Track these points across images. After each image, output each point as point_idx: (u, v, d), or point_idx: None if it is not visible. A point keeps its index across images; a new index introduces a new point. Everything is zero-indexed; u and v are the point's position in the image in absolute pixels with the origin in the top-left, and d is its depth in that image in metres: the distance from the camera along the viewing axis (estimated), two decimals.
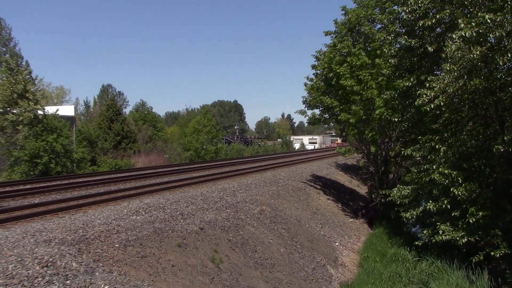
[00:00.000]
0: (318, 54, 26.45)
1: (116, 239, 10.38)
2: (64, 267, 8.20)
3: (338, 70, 23.14)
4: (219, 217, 14.69)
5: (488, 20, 12.35)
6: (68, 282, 7.74)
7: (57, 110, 33.41)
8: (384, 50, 20.47)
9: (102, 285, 7.87)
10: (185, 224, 12.97)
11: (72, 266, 8.35)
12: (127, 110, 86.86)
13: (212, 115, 60.19)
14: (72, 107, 47.44)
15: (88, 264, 8.72)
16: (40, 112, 30.59)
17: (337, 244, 18.98)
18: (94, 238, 10.12)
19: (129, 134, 49.60)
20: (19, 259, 8.13)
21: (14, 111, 29.48)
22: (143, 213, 13.36)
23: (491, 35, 12.85)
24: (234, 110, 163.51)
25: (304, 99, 26.37)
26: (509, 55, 12.43)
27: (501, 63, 12.67)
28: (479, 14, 12.88)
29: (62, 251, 8.84)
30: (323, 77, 25.46)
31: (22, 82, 29.61)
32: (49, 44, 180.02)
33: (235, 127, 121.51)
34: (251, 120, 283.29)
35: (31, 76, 32.00)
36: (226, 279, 11.07)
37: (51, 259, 8.30)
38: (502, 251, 13.87)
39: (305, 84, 26.85)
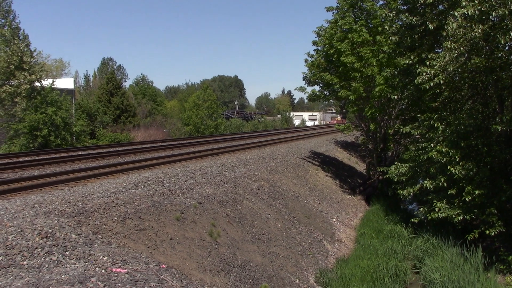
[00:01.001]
0: (319, 30, 26.24)
1: (115, 212, 10.48)
2: (64, 238, 8.31)
3: (339, 47, 23.02)
4: (217, 191, 14.80)
5: None
6: (67, 253, 7.86)
7: (53, 81, 33.17)
8: (386, 27, 20.30)
9: (101, 257, 7.98)
10: (183, 198, 13.07)
11: (71, 238, 8.46)
12: (127, 84, 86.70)
13: (212, 90, 59.94)
14: (72, 80, 47.19)
15: (87, 236, 8.83)
16: (37, 84, 30.48)
17: (334, 220, 19.16)
18: (93, 211, 10.22)
19: (128, 108, 49.50)
20: (19, 230, 8.23)
21: (12, 82, 29.37)
22: (142, 186, 13.45)
23: (493, 13, 12.75)
24: (235, 85, 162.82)
25: (304, 75, 26.26)
26: (511, 33, 12.35)
27: (502, 42, 12.59)
28: None
29: (62, 223, 8.94)
30: (324, 54, 25.33)
31: (19, 54, 29.42)
32: (49, 16, 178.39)
33: (235, 103, 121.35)
34: (251, 96, 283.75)
35: (29, 48, 31.77)
36: (223, 252, 11.22)
37: (50, 231, 8.40)
38: (497, 230, 14.05)
39: (306, 61, 26.74)
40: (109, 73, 64.40)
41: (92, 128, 40.59)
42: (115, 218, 10.19)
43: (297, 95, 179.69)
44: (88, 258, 7.88)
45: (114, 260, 7.95)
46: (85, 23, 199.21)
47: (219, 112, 57.66)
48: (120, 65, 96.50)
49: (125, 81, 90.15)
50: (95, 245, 8.52)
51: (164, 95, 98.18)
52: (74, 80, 51.63)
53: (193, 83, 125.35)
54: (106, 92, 49.00)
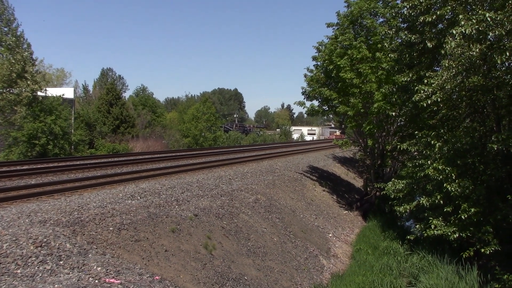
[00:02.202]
0: (319, 46, 26.44)
1: (110, 222, 10.49)
2: (58, 247, 8.32)
3: (338, 63, 23.15)
4: (214, 204, 14.81)
5: (488, 18, 12.38)
6: (61, 262, 7.86)
7: (63, 94, 33.49)
8: (385, 44, 20.47)
9: (95, 267, 7.98)
10: (179, 210, 13.08)
11: (66, 247, 8.46)
12: (126, 95, 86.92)
13: (211, 103, 60.13)
14: (72, 89, 47.32)
15: (82, 246, 8.84)
16: (40, 93, 30.61)
17: (330, 235, 19.13)
18: (89, 221, 10.22)
19: (128, 119, 49.63)
20: (14, 239, 8.24)
21: (13, 91, 29.46)
22: (139, 197, 13.46)
23: (490, 33, 12.89)
24: (234, 98, 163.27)
25: (304, 90, 26.38)
26: (507, 54, 12.47)
27: (499, 62, 12.71)
28: (479, 11, 12.91)
29: (57, 232, 8.95)
30: (323, 69, 25.48)
31: (22, 62, 29.55)
32: (50, 26, 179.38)
33: (235, 116, 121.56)
34: (251, 109, 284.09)
35: (31, 57, 31.94)
36: (218, 265, 11.20)
37: (45, 240, 8.41)
38: (492, 248, 14.02)
39: (305, 75, 26.84)
40: (109, 83, 64.64)
41: (91, 138, 40.63)
42: (111, 228, 10.19)
43: (297, 110, 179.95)
44: (82, 268, 7.87)
45: (108, 271, 7.95)
46: (86, 33, 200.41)
47: (218, 124, 57.75)
48: (120, 75, 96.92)
49: (125, 92, 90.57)
50: (90, 255, 8.52)
51: (164, 107, 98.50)
52: (74, 90, 51.77)
53: (193, 95, 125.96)
54: (106, 102, 49.15)
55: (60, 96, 32.32)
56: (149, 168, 21.30)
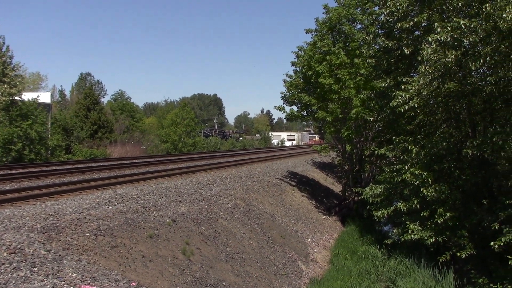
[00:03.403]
0: (298, 51, 26.58)
1: (87, 228, 10.35)
2: (32, 254, 8.16)
3: (317, 68, 23.29)
4: (192, 209, 14.72)
5: (463, 26, 12.63)
6: (35, 269, 7.71)
7: (38, 96, 32.98)
8: (363, 50, 20.67)
9: (70, 273, 7.85)
10: (157, 215, 12.97)
11: (40, 254, 8.31)
12: (105, 100, 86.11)
13: (191, 108, 59.91)
14: (49, 94, 46.73)
15: (57, 252, 8.69)
16: (17, 98, 30.14)
17: (309, 240, 19.17)
18: (65, 227, 10.06)
19: (106, 124, 49.14)
20: None
21: None
22: (116, 203, 13.31)
23: (465, 40, 13.12)
24: (214, 103, 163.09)
25: (283, 95, 26.48)
26: (481, 60, 12.72)
27: (473, 68, 12.96)
28: (454, 19, 13.14)
29: (31, 238, 8.78)
30: (302, 75, 25.58)
31: (1, 66, 29.08)
32: (26, 29, 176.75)
33: (214, 121, 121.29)
34: (231, 115, 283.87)
35: (10, 61, 31.47)
36: (196, 271, 11.13)
37: (19, 246, 8.24)
38: (468, 252, 14.23)
39: (284, 81, 26.95)
40: (87, 88, 63.98)
41: (68, 143, 40.06)
42: (87, 234, 10.05)
43: (276, 115, 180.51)
44: (57, 274, 7.74)
45: (83, 277, 7.83)
46: (64, 37, 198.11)
47: (197, 130, 57.54)
48: (98, 80, 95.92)
49: (103, 97, 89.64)
50: (65, 262, 8.38)
51: (142, 112, 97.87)
52: (51, 94, 51.10)
53: (172, 100, 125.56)
54: (84, 107, 48.62)
55: (35, 99, 31.80)
56: (127, 173, 21.09)
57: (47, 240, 9.14)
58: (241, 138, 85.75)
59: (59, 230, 9.80)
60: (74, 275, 7.83)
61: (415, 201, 15.46)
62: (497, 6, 12.32)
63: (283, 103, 26.66)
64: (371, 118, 20.97)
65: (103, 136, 47.48)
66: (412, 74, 17.69)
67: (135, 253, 10.31)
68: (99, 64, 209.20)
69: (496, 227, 13.17)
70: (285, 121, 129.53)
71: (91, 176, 19.94)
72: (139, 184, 17.82)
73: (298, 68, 26.45)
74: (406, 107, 15.05)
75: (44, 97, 41.91)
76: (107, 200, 13.43)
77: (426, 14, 14.99)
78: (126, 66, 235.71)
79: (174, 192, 16.40)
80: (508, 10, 11.82)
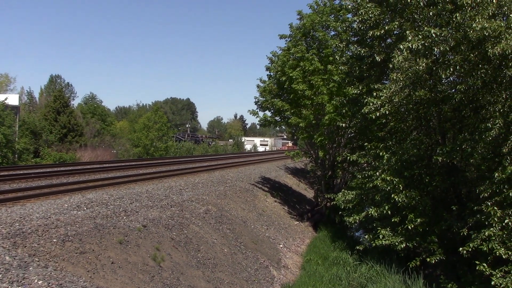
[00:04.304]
0: (272, 56, 26.65)
1: (54, 234, 10.08)
2: None
3: (290, 74, 23.36)
4: (163, 215, 14.53)
5: (434, 34, 12.84)
6: None
7: (6, 98, 32.26)
8: (336, 57, 20.84)
9: (36, 280, 7.62)
10: (128, 221, 12.74)
11: (5, 260, 8.05)
12: (75, 103, 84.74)
13: (163, 112, 59.51)
14: (17, 96, 45.70)
15: (23, 259, 8.43)
16: None
17: (281, 246, 19.15)
18: (31, 232, 9.78)
19: (76, 127, 48.34)
20: None
21: None
22: (85, 208, 13.04)
23: (436, 49, 13.34)
24: (187, 108, 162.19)
25: (256, 99, 26.48)
26: (451, 69, 12.95)
27: (443, 76, 13.18)
28: (425, 28, 13.36)
29: None
30: (276, 80, 25.64)
31: None
32: None
33: (187, 126, 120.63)
34: (204, 119, 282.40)
35: None
36: (167, 277, 10.95)
37: None
38: (438, 257, 14.43)
39: (258, 86, 26.95)
40: (57, 90, 62.81)
41: (36, 147, 39.20)
42: (54, 240, 9.79)
43: (249, 120, 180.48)
44: (22, 281, 7.50)
45: (50, 284, 7.62)
46: (34, 39, 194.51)
47: (170, 134, 57.09)
48: (68, 82, 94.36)
49: (73, 100, 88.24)
50: (31, 268, 8.13)
51: (114, 115, 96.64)
52: (20, 97, 50.01)
53: (144, 104, 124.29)
54: (53, 110, 47.74)
55: (3, 101, 31.09)
56: (97, 178, 20.72)
57: (12, 246, 8.87)
58: (214, 143, 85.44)
59: (25, 236, 9.52)
60: (40, 282, 7.61)
61: (386, 207, 15.59)
62: (467, 16, 12.60)
63: (257, 108, 26.66)
64: (344, 124, 21.13)
65: (73, 140, 46.68)
66: (384, 81, 17.90)
67: (104, 259, 10.08)
68: (70, 66, 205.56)
69: (465, 233, 13.40)
70: (258, 126, 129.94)
71: (60, 180, 19.50)
72: (109, 189, 17.51)
73: (272, 73, 26.50)
74: (378, 114, 15.21)
75: (12, 99, 40.98)
76: (76, 205, 13.14)
77: (397, 23, 15.19)
78: (98, 69, 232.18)
79: (145, 197, 16.17)
80: (477, 20, 12.09)
